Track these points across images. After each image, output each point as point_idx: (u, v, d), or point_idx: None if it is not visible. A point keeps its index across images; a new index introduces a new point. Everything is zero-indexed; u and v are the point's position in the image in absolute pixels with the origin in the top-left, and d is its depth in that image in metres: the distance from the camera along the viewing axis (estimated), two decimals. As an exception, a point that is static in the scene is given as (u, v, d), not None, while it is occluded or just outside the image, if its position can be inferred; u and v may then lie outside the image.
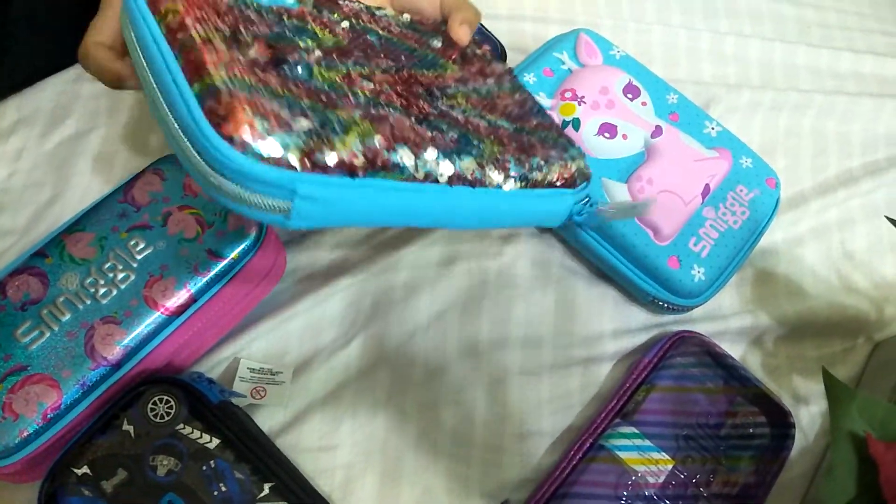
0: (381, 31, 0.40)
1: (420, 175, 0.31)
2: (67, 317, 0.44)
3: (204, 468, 0.42)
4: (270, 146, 0.26)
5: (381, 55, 0.37)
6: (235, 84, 0.27)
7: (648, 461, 0.48)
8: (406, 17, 0.43)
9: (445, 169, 0.32)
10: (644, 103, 0.57)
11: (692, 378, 0.52)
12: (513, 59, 0.61)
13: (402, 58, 0.38)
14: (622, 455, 0.48)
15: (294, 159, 0.27)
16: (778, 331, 0.58)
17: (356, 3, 0.41)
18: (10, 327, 0.43)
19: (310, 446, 0.49)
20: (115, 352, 0.44)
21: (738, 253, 0.54)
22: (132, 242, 0.46)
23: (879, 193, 0.63)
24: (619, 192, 0.54)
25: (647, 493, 0.47)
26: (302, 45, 0.33)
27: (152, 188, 0.48)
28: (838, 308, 0.59)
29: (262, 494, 0.42)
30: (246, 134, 0.26)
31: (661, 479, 0.48)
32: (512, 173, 0.36)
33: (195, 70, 0.27)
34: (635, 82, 0.58)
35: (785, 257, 0.60)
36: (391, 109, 0.33)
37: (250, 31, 0.31)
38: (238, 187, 0.26)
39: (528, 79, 0.57)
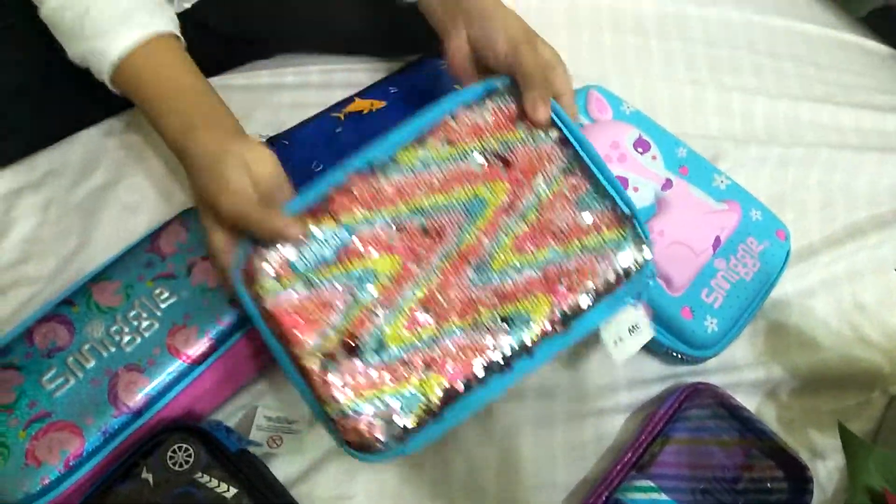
0: (425, 203, 0.43)
1: (483, 378, 0.41)
2: (92, 364, 0.45)
3: (221, 518, 0.42)
4: (378, 448, 0.40)
5: (431, 238, 0.43)
6: (347, 407, 0.39)
7: (665, 515, 0.48)
8: (445, 148, 0.44)
9: (502, 359, 0.41)
10: (654, 157, 0.59)
11: (708, 430, 0.51)
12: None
13: (450, 228, 0.43)
14: (638, 509, 0.48)
15: (393, 444, 0.40)
16: (792, 383, 0.58)
17: (395, 177, 0.43)
18: (36, 374, 0.44)
19: (325, 496, 0.49)
20: (137, 399, 0.44)
21: (750, 304, 0.55)
22: (157, 291, 0.47)
23: (887, 247, 0.64)
24: (631, 244, 0.55)
25: (664, 549, 0.47)
26: (368, 303, 0.41)
27: (178, 238, 0.50)
28: (852, 361, 0.59)
29: (278, 545, 0.42)
30: (362, 449, 0.40)
31: (679, 535, 0.47)
32: (560, 321, 0.42)
33: (319, 398, 0.40)
34: (645, 136, 0.59)
35: (796, 309, 0.61)
36: (450, 336, 0.41)
37: (331, 319, 0.41)
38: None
39: (541, 134, 0.59)
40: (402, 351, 0.41)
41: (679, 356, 0.54)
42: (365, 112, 0.60)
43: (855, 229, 0.65)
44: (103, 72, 0.47)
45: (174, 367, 0.45)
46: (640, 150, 0.59)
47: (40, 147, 0.59)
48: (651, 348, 0.56)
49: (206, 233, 0.44)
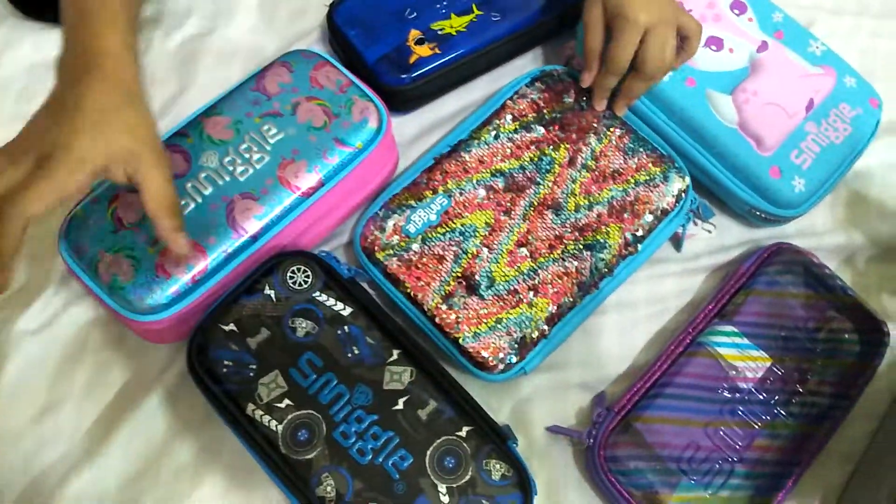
0: (504, 167, 0.53)
1: (578, 297, 0.50)
2: (210, 190, 0.47)
3: (339, 332, 0.45)
4: (503, 367, 0.48)
5: (513, 193, 0.52)
6: (473, 334, 0.48)
7: (747, 358, 0.50)
8: (510, 123, 0.54)
9: (590, 279, 0.50)
10: (750, 19, 0.58)
11: (790, 285, 0.53)
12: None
13: (527, 184, 0.52)
14: (721, 351, 0.50)
15: (514, 360, 0.49)
16: (870, 251, 0.59)
17: (474, 151, 0.53)
18: None
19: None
20: (253, 225, 0.46)
21: (838, 168, 0.55)
22: (265, 127, 0.49)
23: (977, 124, 0.63)
24: (724, 104, 0.55)
25: (745, 387, 0.49)
26: (474, 251, 0.50)
27: (281, 79, 0.51)
28: (931, 232, 0.59)
29: (391, 359, 0.44)
30: (490, 370, 0.48)
31: (760, 375, 0.50)
32: (631, 243, 0.52)
33: (448, 332, 0.48)
34: (742, -1, 0.58)
35: (879, 181, 0.61)
36: (545, 266, 0.50)
37: (445, 268, 0.49)
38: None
39: (636, -8, 0.58)
40: (509, 283, 0.49)
41: (762, 215, 0.55)
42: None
43: (946, 104, 0.64)
44: None
45: (286, 197, 0.47)
46: (736, 11, 0.58)
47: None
48: (734, 209, 0.57)
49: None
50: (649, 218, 0.52)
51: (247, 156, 0.48)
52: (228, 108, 0.50)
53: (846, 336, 0.52)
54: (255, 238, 0.47)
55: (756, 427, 0.48)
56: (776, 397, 0.49)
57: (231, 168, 0.48)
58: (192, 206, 0.46)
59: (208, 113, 0.49)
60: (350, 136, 0.49)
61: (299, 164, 0.48)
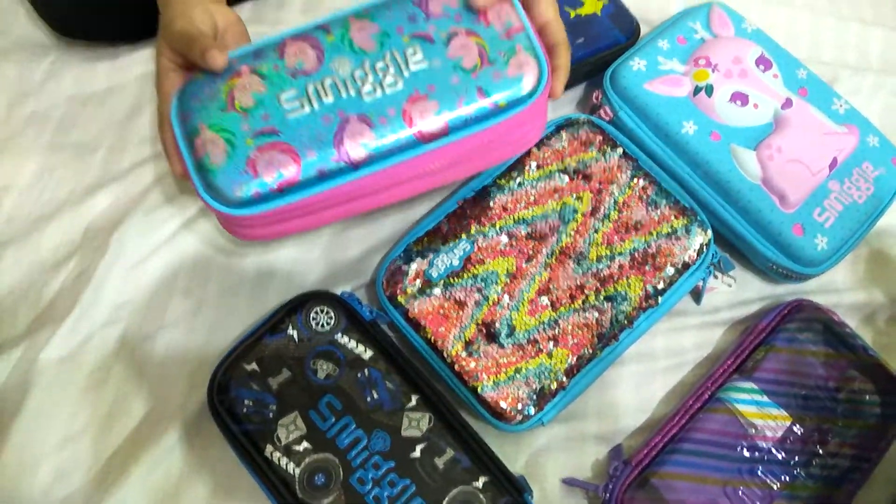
0: (527, 214, 0.54)
1: (598, 348, 0.50)
2: (329, 100, 0.43)
3: (359, 375, 0.45)
4: (521, 417, 0.48)
5: (535, 241, 0.53)
6: (493, 384, 0.48)
7: (767, 416, 0.50)
8: (534, 171, 0.55)
9: (609, 331, 0.51)
10: (775, 76, 0.58)
11: (810, 343, 0.53)
12: (642, 31, 0.63)
13: (549, 232, 0.53)
14: (740, 408, 0.50)
15: (532, 412, 0.48)
16: (891, 310, 0.58)
17: (498, 198, 0.54)
18: (277, 89, 0.43)
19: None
20: (358, 152, 0.43)
21: (860, 227, 0.55)
22: (411, 50, 0.44)
23: None
24: (748, 159, 0.55)
25: (764, 446, 0.49)
26: (495, 298, 0.50)
27: (449, 3, 0.45)
28: (953, 294, 0.59)
29: (410, 405, 0.45)
30: (508, 420, 0.48)
31: (779, 434, 0.49)
32: (652, 295, 0.52)
33: (467, 381, 0.48)
34: (767, 55, 0.59)
35: (901, 239, 0.61)
36: (566, 316, 0.50)
37: (466, 314, 0.50)
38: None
39: (662, 45, 0.59)
40: (530, 333, 0.50)
41: (784, 272, 0.55)
42: None
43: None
44: None
45: (403, 134, 0.43)
46: (761, 67, 0.58)
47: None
48: (755, 264, 0.57)
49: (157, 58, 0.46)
50: (671, 271, 0.52)
51: (380, 76, 0.43)
52: (381, 15, 0.45)
53: (867, 397, 0.51)
54: (355, 166, 0.43)
55: (775, 488, 0.48)
56: (796, 458, 0.49)
57: (359, 84, 0.43)
58: (307, 110, 0.43)
59: (360, 14, 0.45)
60: (496, 88, 0.43)
61: (430, 104, 0.43)
